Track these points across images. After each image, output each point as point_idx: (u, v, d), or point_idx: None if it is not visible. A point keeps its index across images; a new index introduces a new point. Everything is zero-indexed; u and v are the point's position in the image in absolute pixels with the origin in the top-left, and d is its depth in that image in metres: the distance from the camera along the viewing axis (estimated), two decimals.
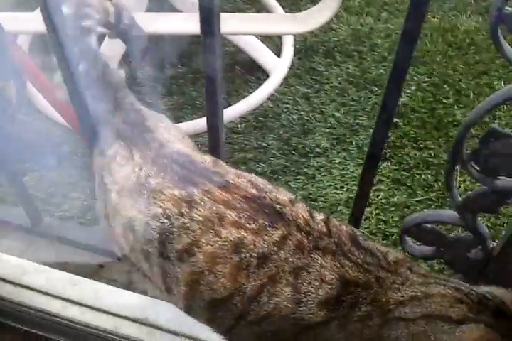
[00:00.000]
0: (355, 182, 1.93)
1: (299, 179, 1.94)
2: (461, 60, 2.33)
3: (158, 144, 1.04)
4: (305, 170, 1.94)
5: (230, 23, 1.98)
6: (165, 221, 0.94)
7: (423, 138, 2.05)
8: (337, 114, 2.16)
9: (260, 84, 2.27)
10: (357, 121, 2.14)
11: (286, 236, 0.91)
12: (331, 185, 1.92)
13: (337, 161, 2.00)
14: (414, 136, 2.03)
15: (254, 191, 0.96)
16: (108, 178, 1.04)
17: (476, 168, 1.07)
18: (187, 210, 0.93)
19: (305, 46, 2.48)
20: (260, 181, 1.00)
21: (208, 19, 0.92)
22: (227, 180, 0.97)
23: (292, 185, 1.91)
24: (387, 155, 1.98)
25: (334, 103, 2.21)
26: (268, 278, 0.91)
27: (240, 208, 0.92)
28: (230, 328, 1.00)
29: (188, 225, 0.93)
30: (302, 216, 0.95)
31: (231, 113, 2.13)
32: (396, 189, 1.88)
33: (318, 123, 2.12)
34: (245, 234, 0.90)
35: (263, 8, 2.62)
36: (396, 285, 0.91)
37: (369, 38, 2.51)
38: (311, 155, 2.00)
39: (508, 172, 1.04)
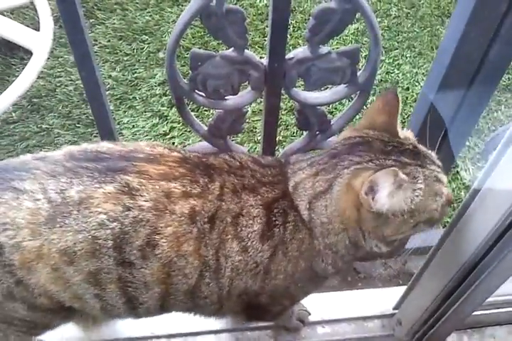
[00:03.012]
0: (148, 137, 1.88)
1: None
2: None
3: (38, 160, 0.87)
4: (94, 139, 1.85)
5: None
6: (114, 224, 0.83)
7: None
8: (114, 74, 2.06)
9: (26, 65, 2.10)
10: (135, 75, 2.06)
11: (223, 186, 0.88)
12: None
13: (125, 121, 1.93)
14: None
15: (176, 154, 0.91)
16: (3, 235, 0.84)
17: (202, 94, 1.06)
18: (131, 202, 0.83)
19: None
20: (169, 145, 0.96)
21: None
22: (149, 153, 0.88)
23: None
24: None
25: (108, 63, 2.10)
26: (219, 240, 0.88)
27: (179, 176, 0.87)
28: (218, 309, 0.99)
29: (141, 217, 0.83)
30: (221, 160, 0.93)
31: (1, 103, 1.95)
32: (189, 131, 1.86)
33: None
34: (194, 201, 0.86)
35: None
36: (287, 181, 0.94)
37: None
38: None
39: (226, 89, 1.03)
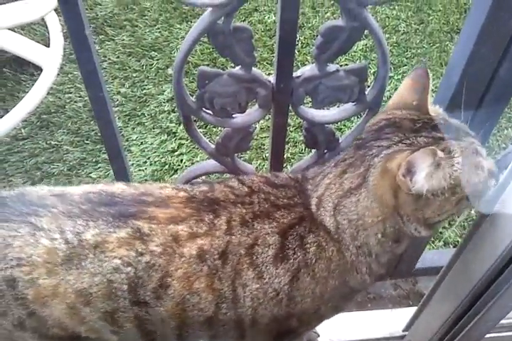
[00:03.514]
0: (156, 154, 1.88)
1: (99, 168, 1.85)
2: None
3: (55, 197, 0.89)
4: (103, 156, 1.85)
5: None
6: (128, 269, 0.85)
7: None
8: (123, 90, 2.07)
9: (36, 81, 2.11)
10: (144, 91, 2.07)
11: (230, 220, 0.88)
12: (133, 164, 1.85)
13: (134, 138, 1.93)
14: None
15: (183, 193, 0.91)
16: (17, 270, 0.84)
17: (209, 112, 1.05)
18: (143, 247, 0.85)
19: None
20: (177, 185, 0.96)
21: None
22: (158, 196, 0.90)
23: (94, 176, 1.83)
24: None
25: (117, 79, 2.11)
26: (234, 272, 0.88)
27: (185, 217, 0.87)
28: (241, 336, 0.98)
29: (153, 262, 0.85)
30: (227, 191, 0.92)
31: (11, 120, 1.96)
32: (197, 148, 1.86)
33: None
34: (202, 241, 0.87)
35: None
36: (309, 200, 0.91)
37: (137, 3, 2.41)
38: None
39: (234, 107, 1.03)
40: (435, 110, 0.90)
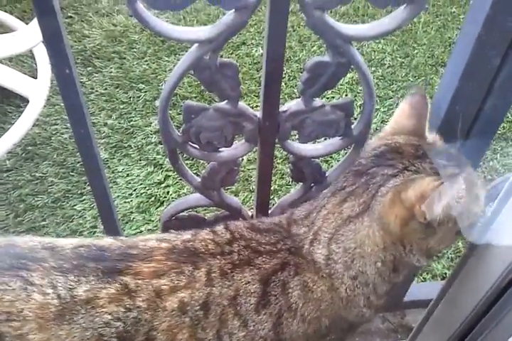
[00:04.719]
0: (142, 186, 1.86)
1: (84, 200, 1.83)
2: None
3: (46, 250, 0.88)
4: (88, 188, 1.83)
5: None
6: (118, 324, 0.86)
7: None
8: (110, 122, 2.06)
9: (22, 112, 2.10)
10: (131, 123, 2.07)
11: (209, 271, 0.89)
12: (119, 196, 1.83)
13: (120, 169, 1.91)
14: None
15: (165, 244, 0.92)
16: (6, 325, 0.84)
17: (195, 146, 1.04)
18: (131, 303, 0.86)
19: None
20: (163, 235, 0.96)
21: None
22: (142, 248, 0.91)
23: (79, 208, 1.80)
24: None
25: (104, 111, 2.11)
26: (218, 321, 0.88)
27: (167, 270, 0.89)
28: None
29: (140, 317, 0.86)
30: (208, 239, 0.92)
31: None
32: None
33: None
34: (182, 294, 0.87)
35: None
36: (302, 243, 0.91)
37: (125, 36, 2.43)
38: None
39: (220, 141, 1.02)
40: (433, 137, 0.89)
